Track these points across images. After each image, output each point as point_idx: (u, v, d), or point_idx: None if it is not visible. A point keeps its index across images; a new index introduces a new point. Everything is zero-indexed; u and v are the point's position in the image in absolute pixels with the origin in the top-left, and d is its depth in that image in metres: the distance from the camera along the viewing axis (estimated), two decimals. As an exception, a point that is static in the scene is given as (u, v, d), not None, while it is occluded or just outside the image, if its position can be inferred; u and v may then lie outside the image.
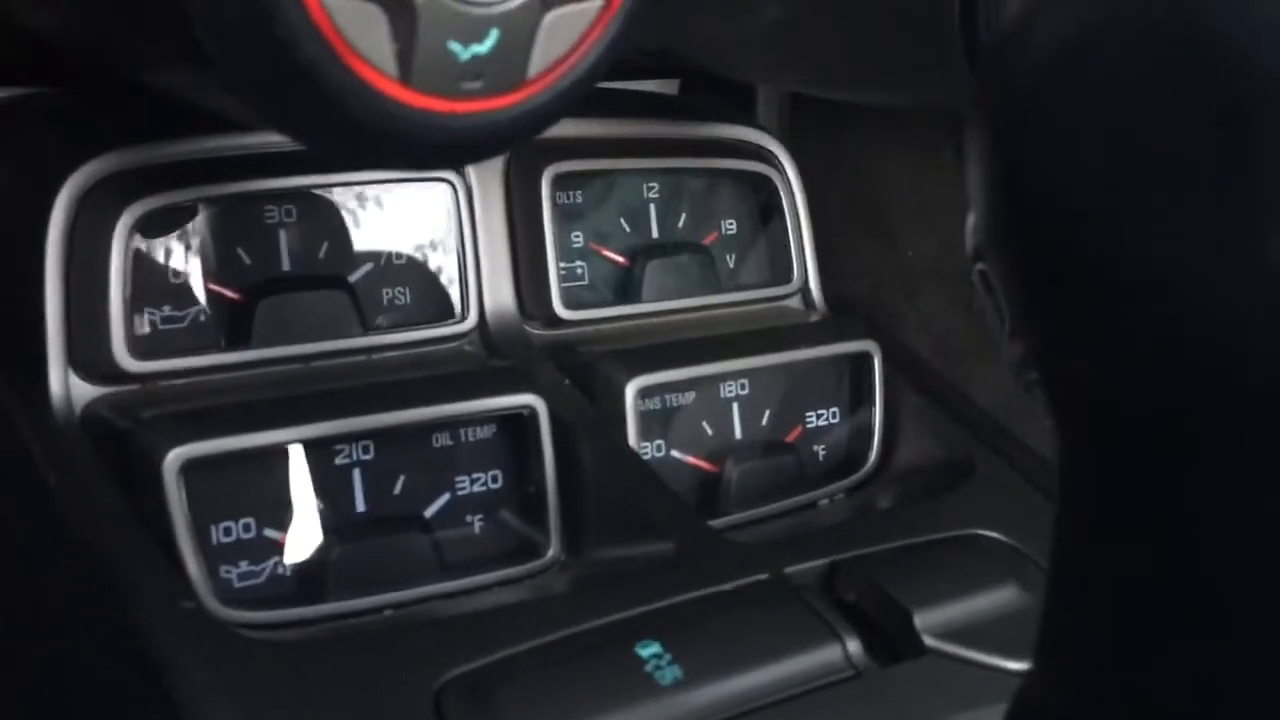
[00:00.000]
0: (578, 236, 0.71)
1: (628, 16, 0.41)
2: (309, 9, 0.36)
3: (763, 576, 0.56)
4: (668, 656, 0.49)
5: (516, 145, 0.64)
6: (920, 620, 0.54)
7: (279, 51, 0.37)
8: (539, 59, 0.39)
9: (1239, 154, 0.24)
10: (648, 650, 0.49)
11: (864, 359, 0.73)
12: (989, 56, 0.29)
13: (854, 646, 0.53)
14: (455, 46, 0.38)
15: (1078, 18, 0.27)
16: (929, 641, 0.54)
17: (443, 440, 0.61)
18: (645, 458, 0.66)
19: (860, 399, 0.74)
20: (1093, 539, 0.28)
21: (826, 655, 0.52)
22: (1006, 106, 0.28)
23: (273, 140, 0.59)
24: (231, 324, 0.60)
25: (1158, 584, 0.27)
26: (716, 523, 0.65)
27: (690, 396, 0.69)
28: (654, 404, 0.68)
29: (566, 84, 0.41)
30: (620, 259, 0.73)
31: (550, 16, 0.39)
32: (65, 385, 0.55)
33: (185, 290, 0.59)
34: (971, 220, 0.31)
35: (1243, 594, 0.25)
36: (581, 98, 0.42)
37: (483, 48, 0.38)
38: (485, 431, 0.62)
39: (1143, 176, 0.25)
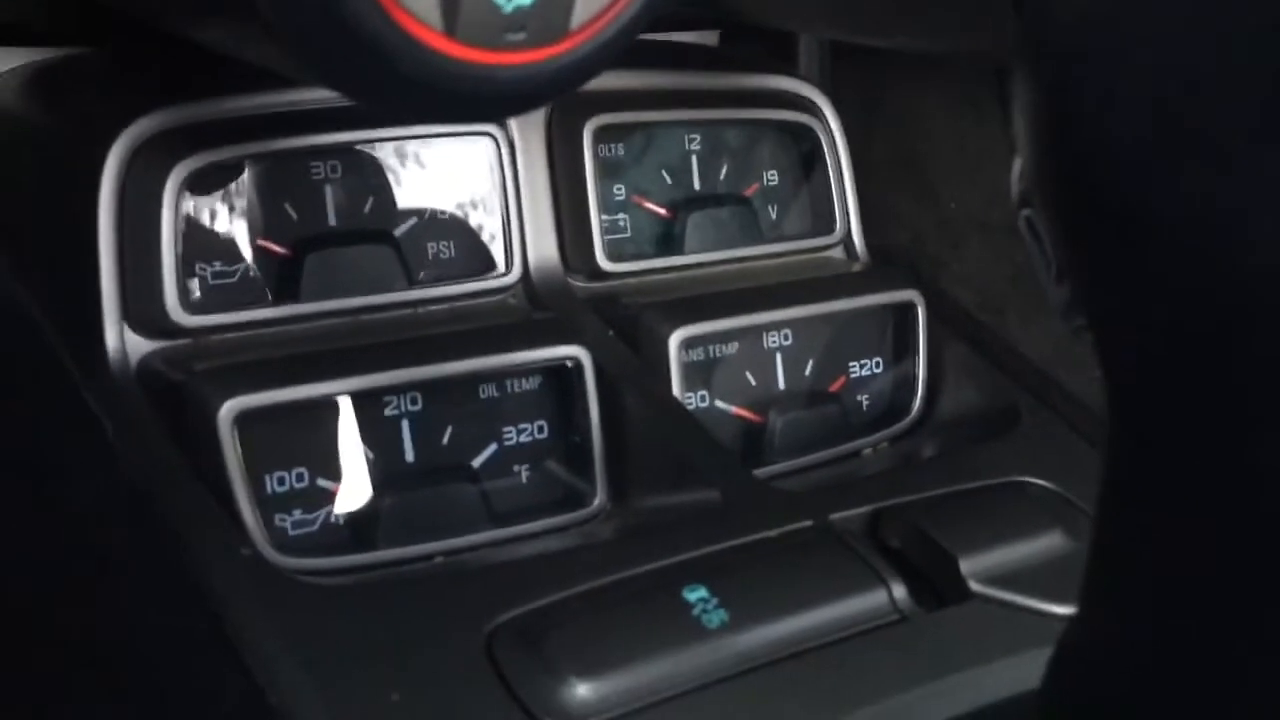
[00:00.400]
0: (619, 189, 0.71)
1: (670, -33, 0.41)
2: (355, -37, 0.36)
3: (807, 523, 0.57)
4: (714, 600, 0.50)
5: (558, 98, 0.64)
6: (966, 565, 0.54)
7: (325, 6, 0.37)
8: (581, 11, 0.39)
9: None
10: (695, 594, 0.50)
11: (907, 309, 0.73)
12: (1035, -1, 0.29)
13: (899, 591, 0.53)
14: (499, -2, 0.38)
15: (1125, -43, 0.27)
16: (974, 586, 0.54)
17: (489, 391, 0.61)
18: (689, 408, 0.66)
19: (904, 348, 0.74)
20: (1137, 486, 0.29)
21: (872, 600, 0.52)
22: (1052, 48, 0.28)
23: (318, 96, 0.59)
24: (280, 279, 0.61)
25: (1199, 533, 0.27)
26: (761, 472, 0.65)
27: (733, 347, 0.70)
28: (697, 355, 0.68)
29: (609, 35, 0.41)
30: (662, 211, 0.73)
31: (593, -33, 0.39)
32: (121, 340, 0.57)
33: (234, 246, 0.60)
34: (1017, 166, 0.30)
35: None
36: (624, 49, 0.42)
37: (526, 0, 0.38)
38: (531, 383, 0.62)
39: (1190, 120, 0.25)
